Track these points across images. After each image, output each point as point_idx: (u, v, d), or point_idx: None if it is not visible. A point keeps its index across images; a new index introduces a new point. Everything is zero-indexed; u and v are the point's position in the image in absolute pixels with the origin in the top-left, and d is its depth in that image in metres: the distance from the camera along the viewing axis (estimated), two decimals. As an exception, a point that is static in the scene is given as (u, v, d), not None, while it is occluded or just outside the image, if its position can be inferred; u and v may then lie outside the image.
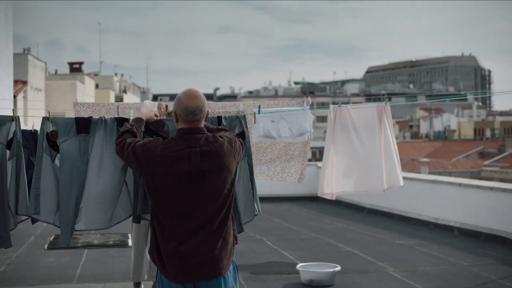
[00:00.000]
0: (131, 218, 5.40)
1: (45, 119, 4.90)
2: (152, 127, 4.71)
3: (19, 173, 4.86)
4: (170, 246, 3.35)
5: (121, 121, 5.05)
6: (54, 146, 4.91)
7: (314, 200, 15.74)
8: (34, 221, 5.55)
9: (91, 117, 5.06)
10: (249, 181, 4.94)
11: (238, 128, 5.36)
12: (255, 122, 6.30)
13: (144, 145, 3.42)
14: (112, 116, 5.13)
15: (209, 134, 3.46)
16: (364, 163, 6.51)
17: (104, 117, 5.03)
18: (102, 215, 5.02)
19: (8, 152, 4.88)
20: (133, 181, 5.06)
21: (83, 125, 4.97)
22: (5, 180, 4.86)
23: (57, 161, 4.94)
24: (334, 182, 6.57)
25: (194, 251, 3.33)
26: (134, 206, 5.08)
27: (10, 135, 4.88)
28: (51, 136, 4.87)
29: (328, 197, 6.60)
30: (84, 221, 5.00)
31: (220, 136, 3.46)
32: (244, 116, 5.43)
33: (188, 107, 3.41)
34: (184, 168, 3.32)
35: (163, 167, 3.33)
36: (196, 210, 3.35)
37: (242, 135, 5.58)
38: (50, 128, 4.89)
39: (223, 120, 5.48)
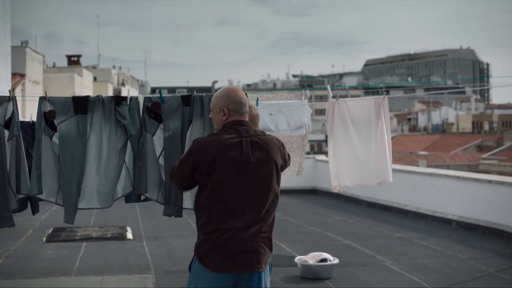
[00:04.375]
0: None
1: (42, 99, 4.91)
2: (151, 107, 4.92)
3: (18, 153, 4.87)
4: (214, 235, 3.36)
5: (118, 99, 5.05)
6: (51, 126, 4.92)
7: (312, 193, 15.77)
8: (34, 212, 5.57)
9: (88, 96, 5.07)
10: None
11: None
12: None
13: (193, 144, 3.50)
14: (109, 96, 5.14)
15: (257, 128, 3.62)
16: (360, 156, 6.54)
17: (101, 96, 5.04)
18: (103, 194, 5.06)
19: (6, 132, 4.89)
20: (133, 160, 5.08)
21: (81, 105, 4.98)
22: (5, 160, 4.87)
23: (55, 139, 4.95)
24: (337, 175, 6.64)
25: (238, 241, 3.35)
26: (135, 185, 5.10)
27: (8, 115, 4.88)
28: (49, 115, 4.88)
29: (336, 190, 6.71)
30: (87, 201, 5.04)
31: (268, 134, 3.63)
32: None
33: (241, 100, 3.56)
34: (235, 155, 3.39)
35: (215, 152, 3.38)
36: (243, 200, 3.38)
37: None
38: (47, 107, 4.90)
39: None
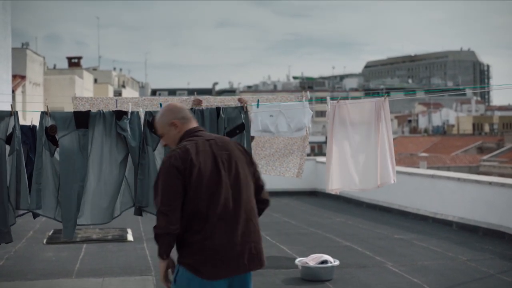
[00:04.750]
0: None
1: (43, 114, 4.93)
2: (152, 122, 5.01)
3: (19, 168, 4.87)
4: (208, 242, 3.36)
5: (119, 114, 5.07)
6: (53, 141, 4.94)
7: (312, 194, 15.76)
8: (35, 216, 5.57)
9: (89, 110, 5.09)
10: None
11: (237, 119, 5.37)
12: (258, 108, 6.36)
13: (169, 161, 3.38)
14: (111, 110, 5.17)
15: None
16: (361, 160, 6.55)
17: (102, 111, 5.06)
18: (104, 209, 5.06)
19: (7, 147, 4.90)
20: (134, 174, 5.08)
21: (82, 120, 5.00)
22: (5, 175, 4.88)
23: (56, 155, 4.97)
24: (336, 178, 6.63)
25: (231, 245, 3.37)
26: (136, 199, 5.10)
27: (9, 130, 4.89)
28: (50, 130, 4.90)
29: (333, 192, 6.71)
30: (86, 216, 5.04)
31: None
32: (243, 108, 5.46)
33: (180, 106, 3.65)
34: (211, 160, 3.44)
35: (196, 160, 3.40)
36: (229, 202, 3.41)
37: (242, 127, 5.57)
38: (49, 122, 4.92)
39: (221, 112, 5.48)
